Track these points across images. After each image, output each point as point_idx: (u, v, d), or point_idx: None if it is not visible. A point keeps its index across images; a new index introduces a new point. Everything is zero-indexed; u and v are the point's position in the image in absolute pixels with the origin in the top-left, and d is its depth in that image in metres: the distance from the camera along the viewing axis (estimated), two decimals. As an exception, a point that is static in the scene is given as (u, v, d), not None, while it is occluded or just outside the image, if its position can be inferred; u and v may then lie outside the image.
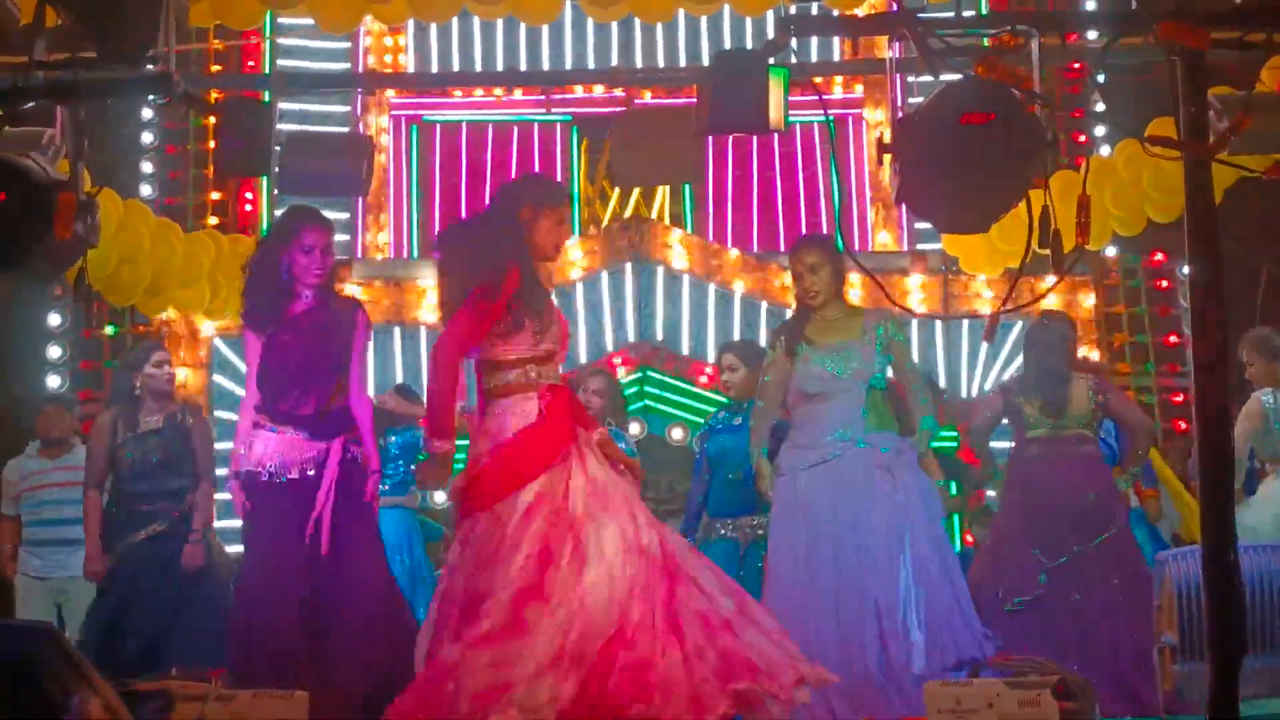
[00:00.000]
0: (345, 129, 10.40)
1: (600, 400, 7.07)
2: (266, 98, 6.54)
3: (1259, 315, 10.28)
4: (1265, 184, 5.43)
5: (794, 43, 4.78)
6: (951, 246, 9.71)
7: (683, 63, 10.90)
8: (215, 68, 10.35)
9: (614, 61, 10.84)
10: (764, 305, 10.02)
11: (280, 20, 10.61)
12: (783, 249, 10.70)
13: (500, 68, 11.01)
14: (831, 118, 10.27)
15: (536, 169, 10.92)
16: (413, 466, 7.26)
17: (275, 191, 10.11)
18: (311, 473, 5.58)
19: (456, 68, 11.04)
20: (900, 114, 4.73)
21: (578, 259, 9.80)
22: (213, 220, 10.37)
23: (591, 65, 10.89)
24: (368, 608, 5.54)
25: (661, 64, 10.91)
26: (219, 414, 9.27)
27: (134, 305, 8.92)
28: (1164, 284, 10.54)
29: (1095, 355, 10.13)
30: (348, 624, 5.50)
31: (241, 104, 5.86)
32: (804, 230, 10.86)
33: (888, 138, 4.46)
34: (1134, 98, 5.55)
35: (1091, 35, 6.43)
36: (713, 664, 4.47)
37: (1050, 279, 8.13)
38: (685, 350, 9.67)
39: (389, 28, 10.69)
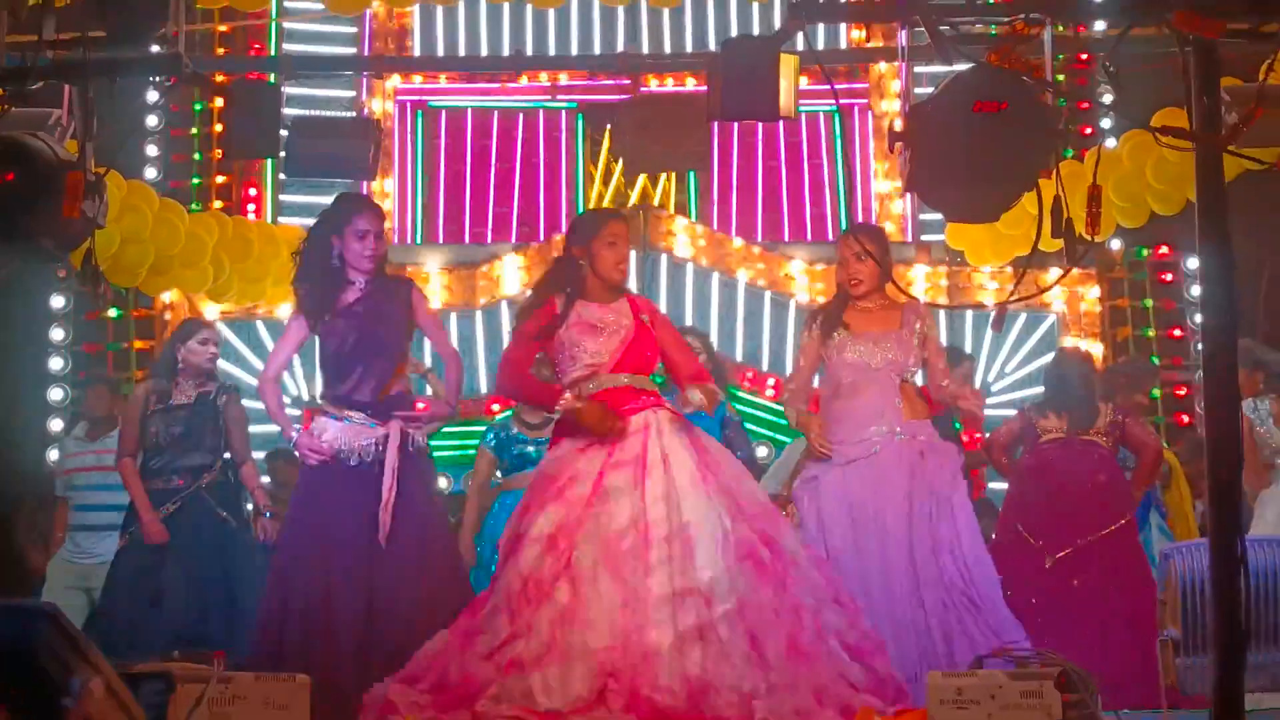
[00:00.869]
0: (352, 113, 10.38)
1: None
2: (273, 80, 6.53)
3: (1262, 312, 10.28)
4: (1267, 182, 5.43)
5: (803, 31, 4.77)
6: (956, 239, 9.70)
7: (689, 50, 10.87)
8: (221, 51, 10.33)
9: (620, 48, 10.82)
10: (768, 295, 10.01)
11: (286, 4, 10.61)
12: (787, 239, 10.72)
13: (506, 54, 10.99)
14: (838, 108, 10.25)
15: (541, 156, 10.91)
16: None
17: (281, 175, 10.12)
18: (370, 459, 5.60)
19: (463, 54, 11.03)
20: (909, 104, 4.69)
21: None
22: (217, 204, 10.37)
23: (598, 52, 10.88)
24: (429, 596, 5.46)
25: (668, 51, 10.89)
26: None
27: (137, 287, 8.91)
28: (1168, 277, 10.52)
29: (1099, 349, 10.13)
30: (406, 615, 5.41)
31: (249, 86, 5.87)
32: (808, 220, 10.86)
33: (898, 127, 4.44)
34: (1141, 89, 5.52)
35: (1100, 26, 6.43)
36: None
37: (1055, 271, 8.13)
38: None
39: (395, 11, 10.68)
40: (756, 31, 10.61)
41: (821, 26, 9.94)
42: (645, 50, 10.84)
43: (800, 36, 4.92)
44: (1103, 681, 4.85)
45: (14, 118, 4.94)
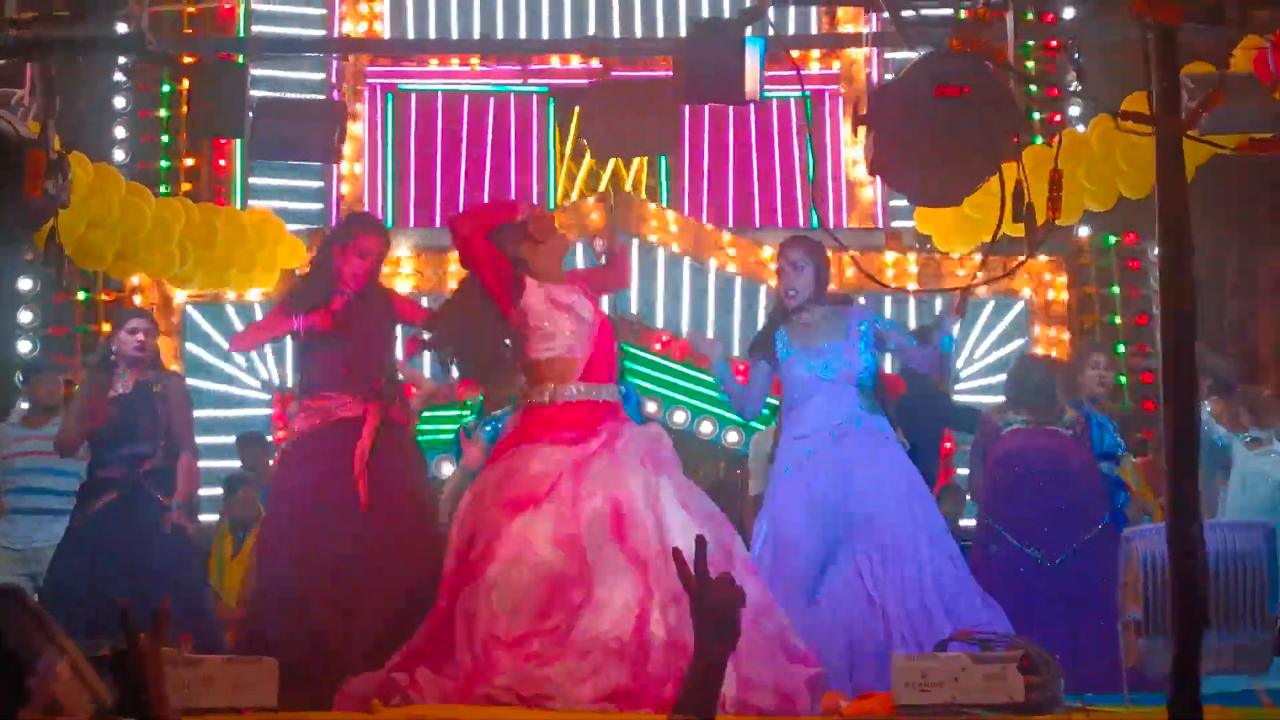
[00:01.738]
0: (320, 96, 10.34)
1: None
2: (241, 61, 6.50)
3: (1228, 298, 10.36)
4: (1234, 170, 5.46)
5: (771, 13, 4.77)
6: (924, 224, 9.72)
7: (660, 35, 10.87)
8: (188, 31, 10.27)
9: (590, 32, 10.80)
10: (739, 280, 10.03)
11: (255, -14, 10.56)
12: (758, 224, 10.74)
13: (476, 37, 10.96)
14: (809, 93, 10.26)
15: (512, 140, 10.90)
16: None
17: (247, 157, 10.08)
18: (348, 432, 5.65)
19: (433, 37, 11.00)
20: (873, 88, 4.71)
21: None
22: (186, 186, 10.31)
23: (568, 36, 10.87)
24: (409, 564, 5.48)
25: (639, 36, 10.88)
26: (192, 381, 9.22)
27: (105, 271, 8.86)
28: (1135, 264, 10.57)
29: (1065, 337, 10.18)
30: (385, 582, 5.45)
31: (216, 65, 5.86)
32: (779, 205, 10.87)
33: (863, 110, 4.46)
34: (1110, 75, 5.55)
35: (1069, 14, 6.49)
36: None
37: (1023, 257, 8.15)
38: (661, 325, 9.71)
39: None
40: (727, 17, 10.61)
41: (791, 11, 9.96)
42: (616, 35, 10.83)
43: (770, 21, 4.92)
44: (1064, 663, 4.90)
45: (-24, 97, 4.91)
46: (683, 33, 10.30)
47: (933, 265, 10.16)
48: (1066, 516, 6.65)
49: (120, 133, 10.40)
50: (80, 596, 6.45)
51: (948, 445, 9.10)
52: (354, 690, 4.84)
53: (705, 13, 10.90)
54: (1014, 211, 4.19)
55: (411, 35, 10.99)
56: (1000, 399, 7.27)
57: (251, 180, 10.51)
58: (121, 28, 5.03)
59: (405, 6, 11.07)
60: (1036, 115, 10.11)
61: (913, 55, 4.70)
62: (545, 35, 10.93)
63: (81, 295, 10.07)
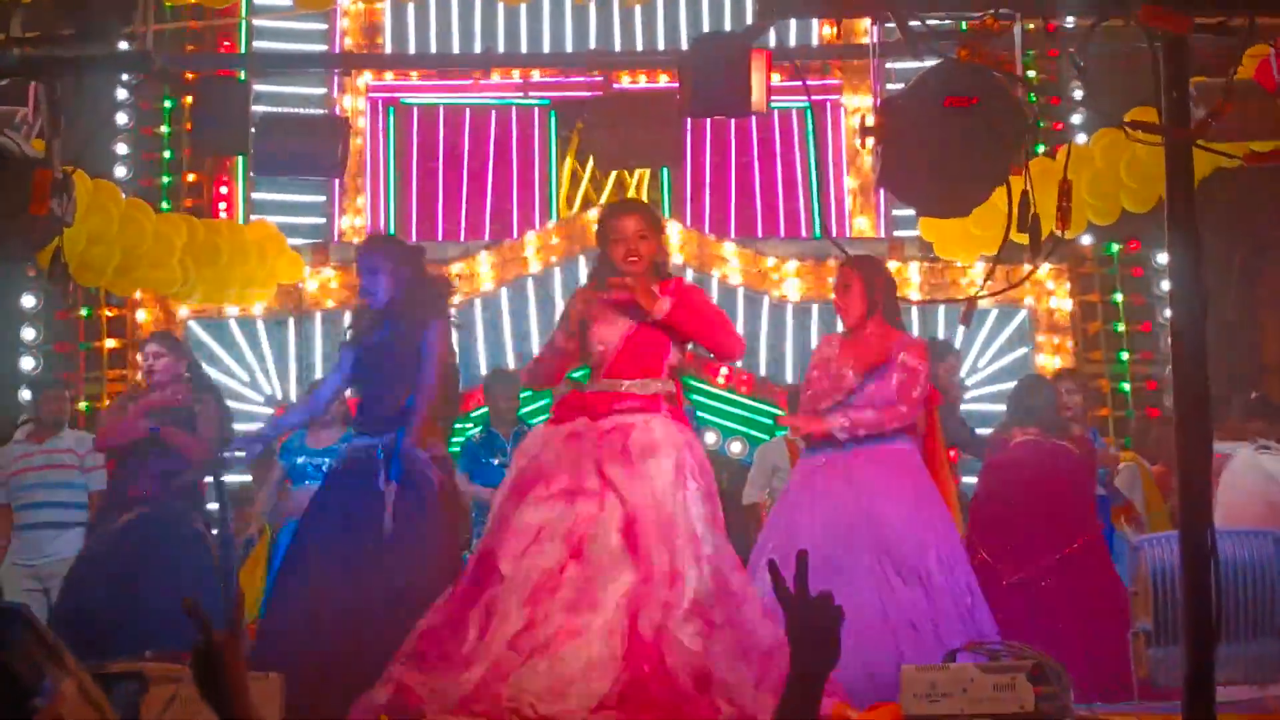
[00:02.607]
0: (321, 111, 10.34)
1: None
2: (243, 77, 6.51)
3: (1233, 304, 10.35)
4: (1237, 176, 5.45)
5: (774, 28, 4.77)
6: (928, 233, 9.73)
7: (661, 47, 10.87)
8: (191, 48, 10.27)
9: (592, 45, 10.81)
10: (741, 291, 10.03)
11: (256, 1, 10.55)
12: (760, 235, 10.73)
13: (478, 51, 10.96)
14: (810, 104, 10.26)
15: (514, 153, 10.90)
16: None
17: (251, 173, 10.08)
18: (368, 466, 5.65)
19: (434, 51, 11.00)
20: (881, 99, 4.70)
21: (556, 244, 9.79)
22: (188, 202, 10.31)
23: (569, 49, 10.87)
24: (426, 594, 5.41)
25: (640, 48, 10.88)
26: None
27: (105, 287, 8.85)
28: (1138, 271, 10.57)
29: (1069, 345, 10.18)
30: (401, 610, 5.36)
31: (218, 83, 5.86)
32: (781, 216, 10.87)
33: (869, 121, 4.44)
34: (1112, 86, 5.53)
35: (1070, 22, 6.41)
36: None
37: (1027, 267, 8.14)
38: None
39: (365, 5, 10.66)
40: (729, 28, 10.61)
41: (794, 22, 9.97)
42: (617, 47, 10.84)
43: (773, 32, 4.92)
44: (1074, 674, 4.88)
45: (-20, 116, 4.91)
46: (684, 44, 10.30)
47: (935, 275, 10.15)
48: (1045, 530, 6.63)
49: (122, 149, 10.39)
50: (96, 611, 6.46)
51: (952, 454, 9.08)
52: (365, 706, 4.83)
53: (706, 25, 10.90)
54: (1019, 223, 4.17)
55: (413, 49, 10.99)
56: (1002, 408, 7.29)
57: (255, 196, 10.51)
58: (124, 46, 5.02)
59: (406, 21, 11.07)
60: (1040, 124, 10.10)
61: (915, 65, 4.69)
62: (546, 48, 10.93)
63: (84, 312, 10.07)
